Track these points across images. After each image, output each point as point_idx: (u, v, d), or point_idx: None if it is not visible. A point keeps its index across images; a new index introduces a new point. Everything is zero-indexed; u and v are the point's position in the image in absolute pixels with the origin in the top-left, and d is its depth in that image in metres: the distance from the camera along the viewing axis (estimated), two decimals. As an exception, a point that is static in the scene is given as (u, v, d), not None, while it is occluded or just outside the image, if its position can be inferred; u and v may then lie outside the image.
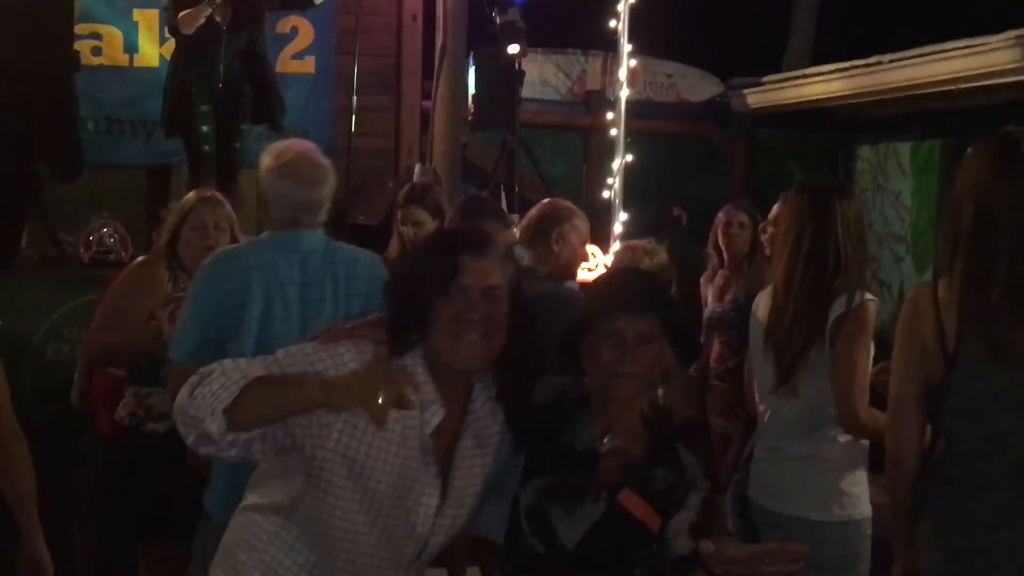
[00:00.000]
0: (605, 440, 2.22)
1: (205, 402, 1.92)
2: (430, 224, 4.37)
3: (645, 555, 2.18)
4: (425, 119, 7.26)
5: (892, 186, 7.80)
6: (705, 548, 1.94)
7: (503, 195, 5.68)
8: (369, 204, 7.00)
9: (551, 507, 2.19)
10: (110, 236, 5.69)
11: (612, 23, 5.65)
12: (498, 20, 5.79)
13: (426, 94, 7.30)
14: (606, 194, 5.62)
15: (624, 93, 5.52)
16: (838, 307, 3.06)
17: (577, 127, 7.79)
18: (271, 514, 2.13)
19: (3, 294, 4.96)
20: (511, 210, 5.65)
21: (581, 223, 3.69)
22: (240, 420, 1.92)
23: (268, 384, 1.97)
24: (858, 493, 3.13)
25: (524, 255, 3.73)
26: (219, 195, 3.88)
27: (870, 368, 3.08)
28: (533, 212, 3.74)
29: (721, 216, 5.17)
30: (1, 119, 5.19)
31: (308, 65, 7.11)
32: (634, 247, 4.15)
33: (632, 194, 6.34)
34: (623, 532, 2.17)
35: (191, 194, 3.85)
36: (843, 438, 3.12)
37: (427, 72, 7.34)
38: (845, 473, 3.12)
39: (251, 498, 2.19)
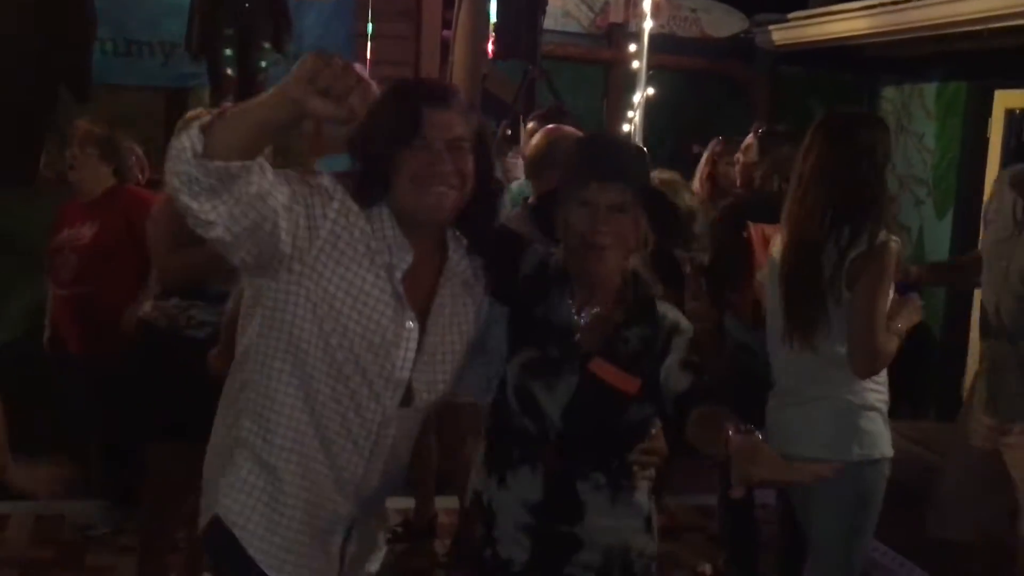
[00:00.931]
0: (582, 313, 2.22)
1: (184, 131, 1.80)
2: None
3: (634, 429, 2.20)
4: (445, 48, 7.19)
5: (916, 128, 7.71)
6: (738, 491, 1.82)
7: (522, 126, 5.63)
8: (387, 133, 6.97)
9: (533, 382, 2.20)
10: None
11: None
12: (521, -53, 5.69)
13: (447, 23, 7.22)
14: (626, 128, 5.56)
15: (647, 25, 5.44)
16: (858, 245, 3.00)
17: (598, 60, 7.70)
18: (249, 360, 2.11)
19: (24, 213, 4.99)
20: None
21: None
22: (217, 139, 1.77)
23: (241, 106, 1.87)
24: (876, 432, 3.11)
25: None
26: None
27: (887, 310, 3.04)
28: (539, 140, 3.60)
29: (716, 147, 5.09)
30: (20, 38, 5.18)
31: (328, -10, 7.03)
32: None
33: (653, 130, 6.27)
34: (599, 400, 2.18)
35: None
36: (860, 380, 3.09)
37: (448, 0, 7.26)
38: (862, 412, 3.09)
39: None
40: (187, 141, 1.77)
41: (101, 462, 4.65)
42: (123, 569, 4.08)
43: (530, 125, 4.60)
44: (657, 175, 3.97)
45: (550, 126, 3.75)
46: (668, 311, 2.26)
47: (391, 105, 2.05)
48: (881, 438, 3.12)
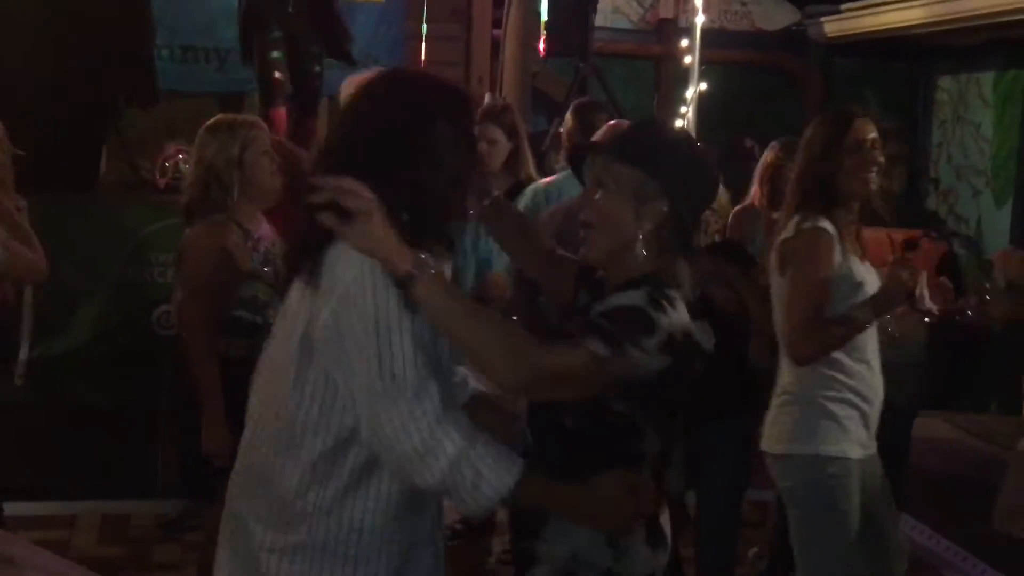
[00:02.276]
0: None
1: (488, 484, 1.79)
2: (504, 143, 4.42)
3: (594, 431, 2.06)
4: (495, 47, 7.21)
5: (972, 117, 7.60)
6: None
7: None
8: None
9: None
10: (185, 163, 5.76)
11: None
12: (572, -54, 5.69)
13: (496, 22, 7.24)
14: (679, 123, 5.55)
15: (699, 20, 5.42)
16: (787, 231, 3.01)
17: (648, 56, 7.69)
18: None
19: (85, 218, 5.07)
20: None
21: None
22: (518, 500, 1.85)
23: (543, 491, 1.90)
24: (816, 428, 3.01)
25: None
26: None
27: (819, 298, 2.96)
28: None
29: (776, 151, 5.02)
30: (78, 47, 5.26)
31: (379, -8, 7.07)
32: None
33: (705, 125, 6.25)
34: (540, 410, 2.11)
35: (230, 118, 3.64)
36: (801, 371, 3.02)
37: (497, -1, 7.29)
38: (805, 407, 3.03)
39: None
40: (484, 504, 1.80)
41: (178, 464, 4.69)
42: (191, 566, 4.14)
43: (567, 117, 4.59)
44: None
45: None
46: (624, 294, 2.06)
47: (453, 132, 1.91)
48: (819, 434, 3.00)
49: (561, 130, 4.39)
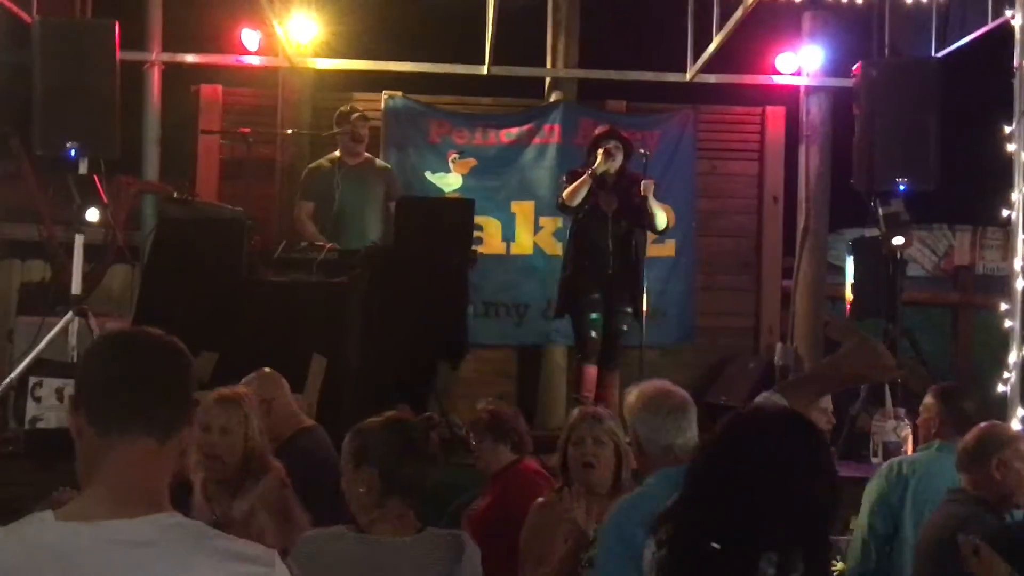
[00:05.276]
0: None
1: None
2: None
3: None
4: (786, 298, 7.25)
5: None
6: None
7: (887, 387, 5.51)
8: (731, 384, 7.02)
9: None
10: (492, 421, 5.95)
11: (1005, 213, 5.44)
12: (880, 212, 5.72)
13: (787, 272, 7.30)
14: (1001, 388, 5.31)
15: (1020, 286, 5.25)
16: None
17: (945, 303, 7.51)
18: None
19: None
20: (895, 404, 5.47)
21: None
22: None
23: None
24: None
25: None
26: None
27: None
28: (970, 436, 3.56)
29: None
30: (410, 313, 5.63)
31: (668, 249, 7.26)
32: None
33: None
34: None
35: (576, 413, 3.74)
36: None
37: (787, 250, 7.36)
38: None
39: None
40: None
41: None
42: None
43: (929, 397, 4.30)
44: None
45: (984, 423, 3.65)
46: None
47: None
48: None
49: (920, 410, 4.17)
